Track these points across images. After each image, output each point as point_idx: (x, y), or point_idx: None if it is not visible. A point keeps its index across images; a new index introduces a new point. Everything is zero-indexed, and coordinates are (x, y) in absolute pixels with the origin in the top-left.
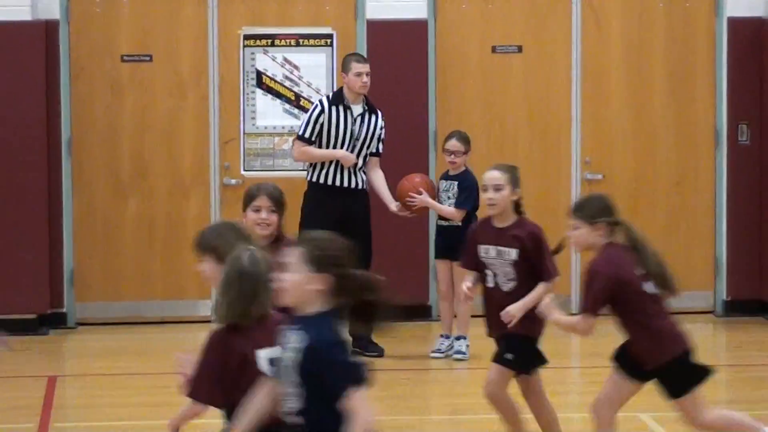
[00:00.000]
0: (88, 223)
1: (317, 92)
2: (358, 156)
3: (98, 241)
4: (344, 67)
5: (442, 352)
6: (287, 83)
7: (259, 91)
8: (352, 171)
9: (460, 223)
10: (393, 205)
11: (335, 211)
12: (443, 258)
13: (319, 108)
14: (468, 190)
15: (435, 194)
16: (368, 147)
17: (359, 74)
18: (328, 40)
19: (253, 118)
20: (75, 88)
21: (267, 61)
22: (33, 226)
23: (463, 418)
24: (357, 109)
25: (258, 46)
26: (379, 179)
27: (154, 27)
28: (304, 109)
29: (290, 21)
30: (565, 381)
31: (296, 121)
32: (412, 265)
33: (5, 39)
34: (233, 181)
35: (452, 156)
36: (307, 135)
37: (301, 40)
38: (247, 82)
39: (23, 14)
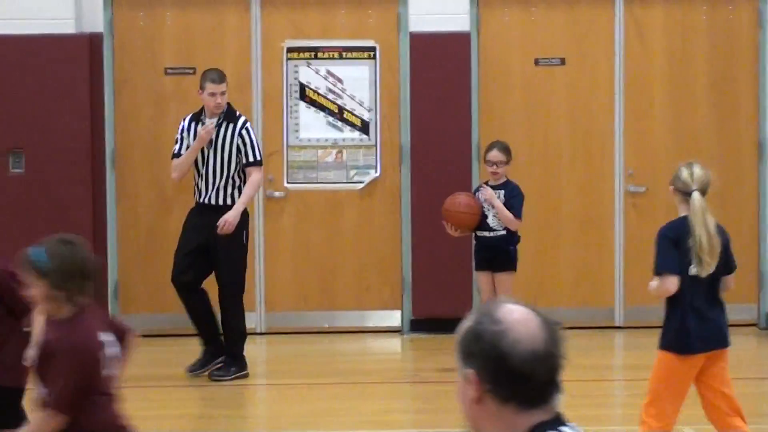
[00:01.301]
0: (131, 235)
1: (360, 105)
2: (222, 167)
3: (142, 252)
4: (200, 85)
5: None
6: (330, 96)
7: (302, 104)
8: (217, 189)
9: (504, 232)
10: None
11: (202, 230)
12: (485, 270)
13: (181, 125)
14: (520, 197)
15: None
16: (230, 156)
17: (213, 95)
18: (371, 53)
19: (297, 131)
20: (119, 101)
21: (310, 74)
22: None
23: None
24: (212, 120)
25: (301, 58)
26: (245, 187)
27: (198, 40)
28: (348, 122)
29: (333, 34)
30: (608, 394)
31: (340, 134)
32: (454, 277)
33: (50, 52)
34: (276, 194)
35: (494, 166)
36: (176, 151)
37: (344, 53)
38: (291, 94)
39: (67, 27)
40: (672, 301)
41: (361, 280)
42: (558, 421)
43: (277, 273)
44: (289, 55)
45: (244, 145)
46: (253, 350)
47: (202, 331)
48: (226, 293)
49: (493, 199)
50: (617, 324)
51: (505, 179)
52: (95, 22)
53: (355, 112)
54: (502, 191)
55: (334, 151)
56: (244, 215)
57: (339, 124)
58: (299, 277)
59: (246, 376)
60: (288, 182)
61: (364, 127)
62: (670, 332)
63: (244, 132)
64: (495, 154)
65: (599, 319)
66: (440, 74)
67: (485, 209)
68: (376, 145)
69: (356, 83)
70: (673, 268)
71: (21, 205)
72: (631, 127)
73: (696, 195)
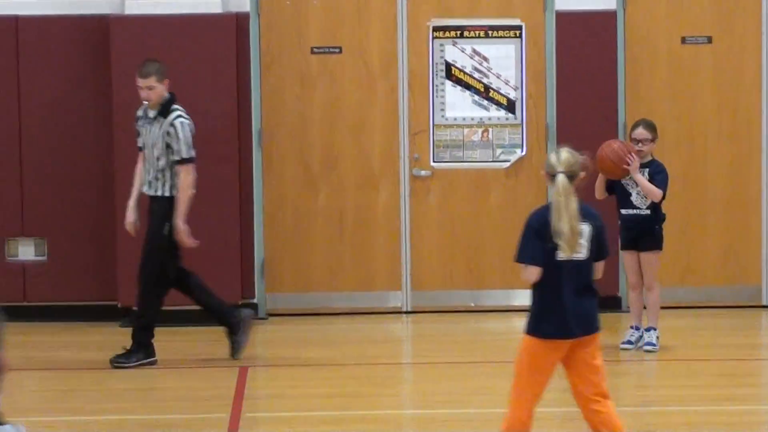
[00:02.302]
0: (278, 215)
1: (506, 83)
2: (153, 162)
3: (288, 232)
4: None
5: (632, 344)
6: (476, 75)
7: (448, 83)
8: (149, 181)
9: (648, 212)
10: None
11: (146, 217)
12: (630, 249)
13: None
14: (664, 174)
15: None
16: (160, 151)
17: (139, 88)
18: (518, 32)
19: (443, 110)
20: (265, 81)
21: (456, 53)
22: (225, 218)
23: (653, 410)
24: (151, 113)
25: (447, 37)
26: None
27: (344, 19)
28: (493, 101)
29: (479, 12)
30: (755, 373)
31: (486, 113)
32: None
33: (197, 32)
34: (423, 173)
35: (639, 144)
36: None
37: (490, 32)
38: (437, 73)
39: (214, 7)
40: (537, 286)
41: (507, 260)
42: None
43: (424, 252)
44: (435, 34)
45: (171, 140)
46: (399, 329)
47: (215, 314)
48: (140, 281)
49: (635, 173)
50: (764, 303)
51: (650, 158)
52: (242, 1)
53: (500, 91)
54: (647, 169)
55: (480, 130)
56: (168, 207)
57: (485, 102)
58: (445, 256)
59: (153, 363)
60: (434, 161)
61: (510, 106)
62: (532, 316)
63: (170, 128)
64: (640, 132)
65: (746, 299)
66: (586, 53)
67: (628, 187)
68: (522, 124)
69: (502, 62)
70: (532, 258)
71: None
72: None
73: (560, 177)
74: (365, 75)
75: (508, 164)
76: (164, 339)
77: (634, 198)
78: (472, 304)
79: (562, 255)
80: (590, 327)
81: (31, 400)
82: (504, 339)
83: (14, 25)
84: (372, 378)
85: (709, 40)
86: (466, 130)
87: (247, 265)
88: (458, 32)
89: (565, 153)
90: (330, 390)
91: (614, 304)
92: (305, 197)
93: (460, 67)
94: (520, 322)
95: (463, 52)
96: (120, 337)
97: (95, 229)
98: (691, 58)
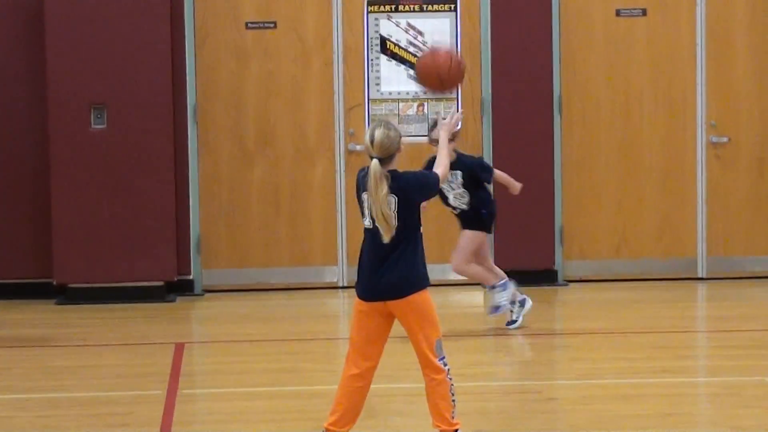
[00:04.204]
0: (214, 190)
1: None
2: None
3: (224, 207)
4: None
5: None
6: (411, 49)
7: (383, 57)
8: None
9: (466, 207)
10: None
11: None
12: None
13: None
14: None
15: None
16: None
17: None
18: (452, 5)
19: (378, 84)
20: (200, 55)
21: (391, 27)
22: (160, 193)
23: (590, 383)
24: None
25: (382, 12)
26: None
27: None
28: None
29: None
30: (691, 345)
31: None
32: (536, 230)
33: (131, 6)
34: (358, 147)
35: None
36: None
37: (424, 6)
38: (371, 48)
39: None
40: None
41: (442, 233)
42: None
43: (359, 227)
44: (370, 8)
45: None
46: (335, 304)
47: None
48: None
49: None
50: (700, 275)
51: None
52: None
53: None
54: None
55: (416, 104)
56: None
57: None
58: None
59: None
60: None
61: None
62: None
63: None
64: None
65: (682, 271)
66: (521, 26)
67: (445, 190)
68: (457, 98)
69: (437, 36)
70: None
71: (103, 160)
72: (714, 77)
73: (373, 163)
74: (300, 49)
75: None
76: (100, 316)
77: (451, 200)
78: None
79: (366, 222)
80: (393, 292)
81: None
82: (443, 314)
83: None
84: (309, 353)
85: (644, 12)
86: (401, 104)
87: (182, 242)
88: (393, 6)
89: (380, 135)
90: (267, 365)
91: (549, 277)
92: (241, 172)
93: (395, 41)
94: (457, 295)
95: (398, 26)
96: (55, 314)
97: (31, 206)
98: (625, 30)
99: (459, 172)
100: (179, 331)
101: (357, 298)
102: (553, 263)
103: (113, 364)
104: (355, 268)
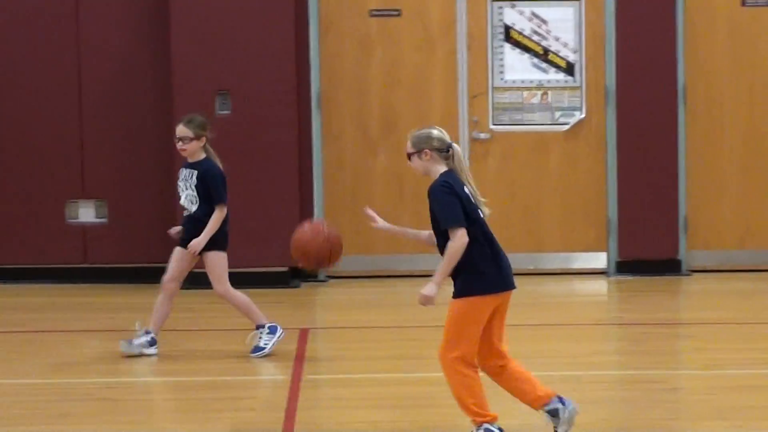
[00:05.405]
0: (337, 178)
1: (565, 46)
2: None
3: (348, 195)
4: None
5: None
6: (535, 37)
7: (507, 46)
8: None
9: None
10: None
11: None
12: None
13: None
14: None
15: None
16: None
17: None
18: None
19: (501, 72)
20: (324, 44)
21: (515, 16)
22: (284, 181)
23: (714, 374)
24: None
25: (506, 0)
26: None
27: None
28: (552, 64)
29: None
30: (718, 338)
31: (545, 76)
32: (660, 219)
33: None
34: (482, 136)
35: (180, 143)
36: None
37: None
38: (495, 36)
39: None
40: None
41: (566, 222)
42: None
43: None
44: None
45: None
46: None
47: None
48: None
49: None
50: None
51: (202, 156)
52: None
53: (560, 54)
54: (196, 171)
55: (539, 93)
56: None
57: (544, 65)
58: (504, 219)
59: None
60: (493, 124)
61: (569, 69)
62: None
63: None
64: (180, 129)
65: None
66: (646, 14)
67: (180, 189)
68: (581, 87)
69: (561, 24)
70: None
71: (227, 146)
72: None
73: (456, 147)
74: (424, 38)
75: (567, 127)
76: (225, 301)
77: (183, 200)
78: (532, 267)
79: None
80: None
81: (90, 359)
82: (563, 302)
83: None
84: (432, 341)
85: None
86: (525, 93)
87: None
88: None
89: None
90: (391, 352)
91: (672, 267)
92: (364, 159)
93: (519, 30)
94: (580, 284)
95: (521, 14)
96: (183, 298)
97: (155, 190)
98: (751, 20)
99: None
100: (303, 317)
101: (489, 295)
102: (677, 253)
103: (238, 349)
104: None
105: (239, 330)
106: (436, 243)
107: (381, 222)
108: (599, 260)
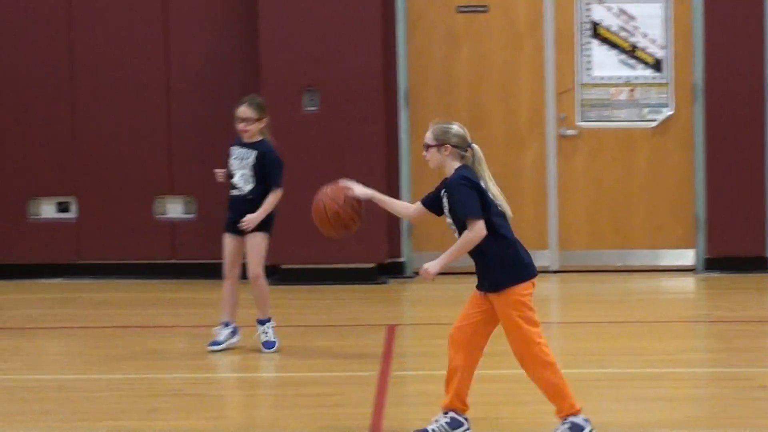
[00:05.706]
0: (425, 174)
1: (652, 42)
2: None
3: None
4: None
5: (220, 343)
6: (623, 34)
7: (594, 42)
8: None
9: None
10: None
11: None
12: (230, 232)
13: None
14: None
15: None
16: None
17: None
18: None
19: (589, 69)
20: (411, 40)
21: (602, 12)
22: (371, 178)
23: None
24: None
25: None
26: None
27: None
28: (640, 60)
29: None
30: (744, 336)
31: (632, 72)
32: (749, 216)
33: None
34: (569, 132)
35: (243, 123)
36: None
37: None
38: (583, 32)
39: None
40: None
41: (654, 219)
42: None
43: (570, 211)
44: None
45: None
46: (546, 288)
47: None
48: None
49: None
50: None
51: (260, 138)
52: None
53: (647, 50)
54: (255, 152)
55: (627, 89)
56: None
57: (631, 62)
58: (592, 216)
59: None
60: (581, 120)
61: (657, 65)
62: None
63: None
64: (243, 110)
65: None
66: (734, 10)
67: (231, 167)
68: (669, 83)
69: (649, 20)
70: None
71: (315, 143)
72: None
73: (476, 146)
74: (511, 34)
75: (655, 123)
76: (313, 297)
77: (237, 179)
78: (619, 264)
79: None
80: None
81: (178, 354)
82: (651, 299)
83: None
84: None
85: None
86: (612, 90)
87: (393, 225)
88: None
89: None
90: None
91: (760, 265)
92: None
93: (606, 26)
94: (668, 282)
95: (609, 11)
96: (271, 294)
97: None
98: None
99: None
100: (391, 313)
101: (530, 281)
102: (765, 250)
103: (325, 345)
104: (567, 252)
105: (327, 326)
106: (419, 217)
107: (359, 189)
108: (687, 257)
